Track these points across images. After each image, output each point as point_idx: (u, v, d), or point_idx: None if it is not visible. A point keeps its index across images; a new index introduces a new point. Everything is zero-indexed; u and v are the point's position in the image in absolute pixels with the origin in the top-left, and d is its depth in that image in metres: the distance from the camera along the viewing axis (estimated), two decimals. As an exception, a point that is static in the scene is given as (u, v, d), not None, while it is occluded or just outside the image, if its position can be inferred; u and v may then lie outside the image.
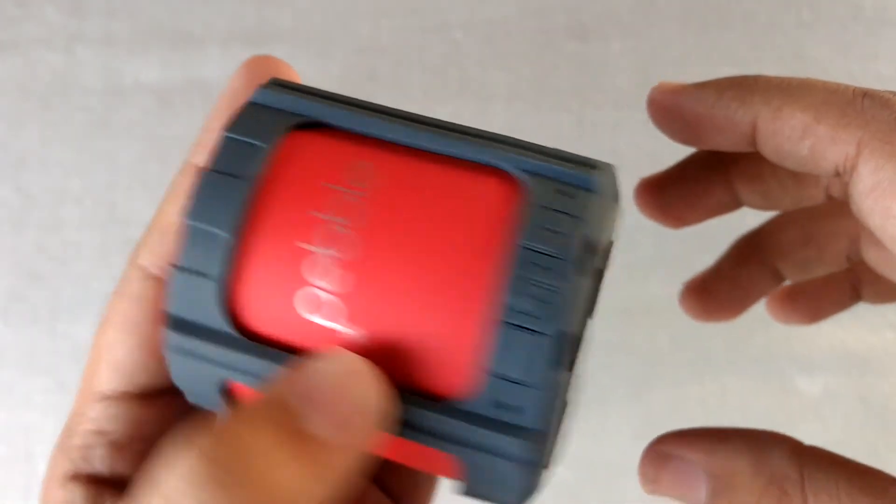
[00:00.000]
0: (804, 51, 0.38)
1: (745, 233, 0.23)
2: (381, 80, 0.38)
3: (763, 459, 0.15)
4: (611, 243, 0.16)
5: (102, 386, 0.15)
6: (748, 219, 0.36)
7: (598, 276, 0.16)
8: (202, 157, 0.15)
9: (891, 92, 0.15)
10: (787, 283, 0.23)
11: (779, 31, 0.38)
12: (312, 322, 0.14)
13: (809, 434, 0.37)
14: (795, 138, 0.15)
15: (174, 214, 0.16)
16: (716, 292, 0.22)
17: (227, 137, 0.15)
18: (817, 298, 0.23)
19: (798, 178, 0.20)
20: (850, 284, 0.23)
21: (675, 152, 0.37)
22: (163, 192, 0.41)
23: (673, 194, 0.20)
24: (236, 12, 0.38)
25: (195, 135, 0.41)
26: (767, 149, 0.16)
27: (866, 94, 0.15)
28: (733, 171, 0.20)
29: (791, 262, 0.22)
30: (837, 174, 0.15)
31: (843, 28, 0.38)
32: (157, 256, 0.16)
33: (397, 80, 0.38)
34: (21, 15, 0.39)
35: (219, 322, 0.14)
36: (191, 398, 0.15)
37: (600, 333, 0.36)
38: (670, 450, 0.16)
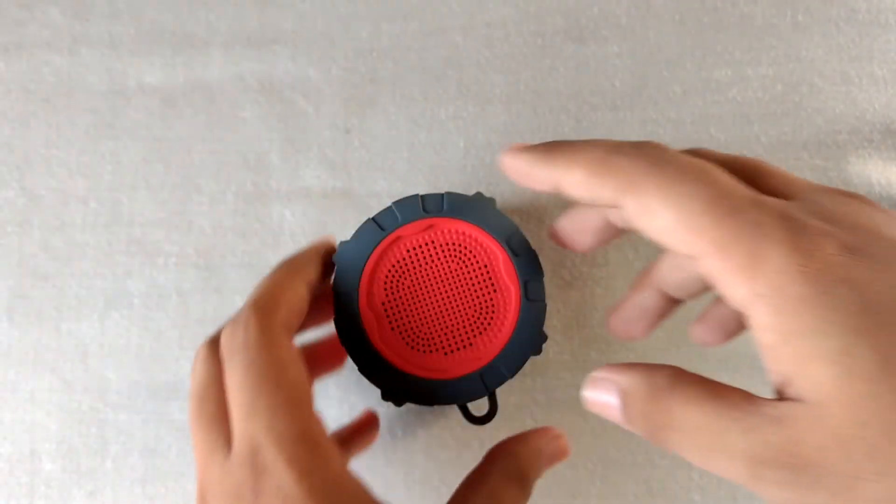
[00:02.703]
0: (799, 53, 0.38)
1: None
2: (381, 83, 0.38)
3: (653, 375, 0.20)
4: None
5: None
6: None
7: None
8: None
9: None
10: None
11: (774, 32, 0.39)
12: None
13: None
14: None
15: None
16: (626, 315, 0.27)
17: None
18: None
19: None
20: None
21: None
22: (167, 193, 0.41)
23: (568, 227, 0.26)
24: (239, 15, 0.39)
25: (198, 135, 0.42)
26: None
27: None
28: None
29: (670, 284, 0.25)
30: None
31: (837, 30, 0.39)
32: None
33: (397, 83, 0.38)
34: (26, 17, 0.39)
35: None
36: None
37: (600, 332, 0.36)
38: (600, 375, 0.21)
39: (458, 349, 0.27)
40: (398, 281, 0.27)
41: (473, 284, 0.27)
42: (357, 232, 0.27)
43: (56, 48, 0.39)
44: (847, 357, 0.17)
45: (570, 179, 0.21)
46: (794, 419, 0.18)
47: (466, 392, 0.26)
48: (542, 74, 0.38)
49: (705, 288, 0.25)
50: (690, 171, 0.20)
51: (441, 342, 0.27)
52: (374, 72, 0.38)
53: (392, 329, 0.27)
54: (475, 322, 0.27)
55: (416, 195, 0.27)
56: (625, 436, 0.35)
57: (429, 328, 0.27)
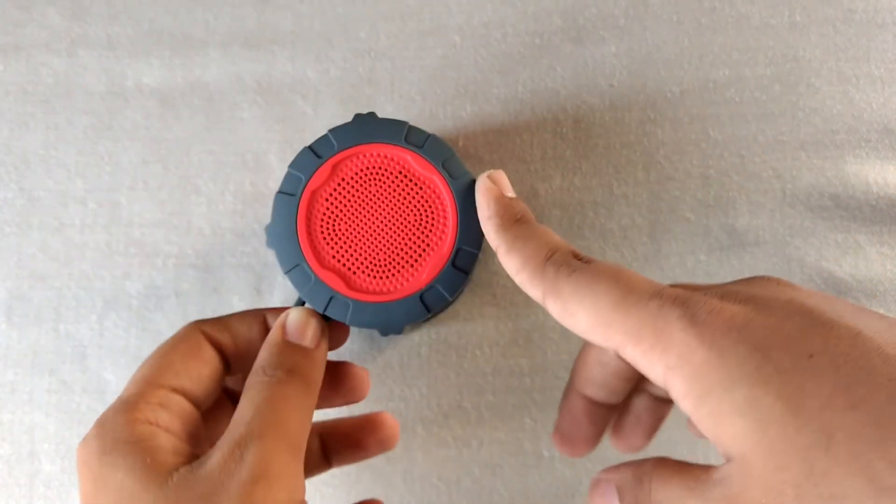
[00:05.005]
0: (796, 52, 0.39)
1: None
2: (379, 83, 0.38)
3: (639, 466, 0.23)
4: None
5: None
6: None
7: None
8: None
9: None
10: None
11: (771, 32, 0.39)
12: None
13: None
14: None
15: None
16: (565, 429, 0.29)
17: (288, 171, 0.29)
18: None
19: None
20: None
21: (668, 152, 0.37)
22: (165, 194, 0.41)
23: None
24: (237, 16, 0.39)
25: (196, 136, 0.42)
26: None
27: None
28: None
29: (593, 384, 0.27)
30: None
31: (834, 30, 0.39)
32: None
33: (395, 83, 0.38)
34: (24, 18, 0.39)
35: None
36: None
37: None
38: (598, 477, 0.24)
39: (395, 274, 0.28)
40: (339, 205, 0.29)
41: (410, 212, 0.29)
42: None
43: (54, 49, 0.39)
44: (754, 407, 0.19)
45: (514, 274, 0.25)
46: (730, 477, 0.19)
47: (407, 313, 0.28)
48: (540, 74, 0.38)
49: (624, 384, 0.27)
50: (602, 274, 0.23)
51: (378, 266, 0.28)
52: (372, 72, 0.38)
53: (331, 251, 0.29)
54: (412, 249, 0.28)
55: (406, 122, 0.29)
56: (623, 435, 0.35)
57: (367, 251, 0.28)
